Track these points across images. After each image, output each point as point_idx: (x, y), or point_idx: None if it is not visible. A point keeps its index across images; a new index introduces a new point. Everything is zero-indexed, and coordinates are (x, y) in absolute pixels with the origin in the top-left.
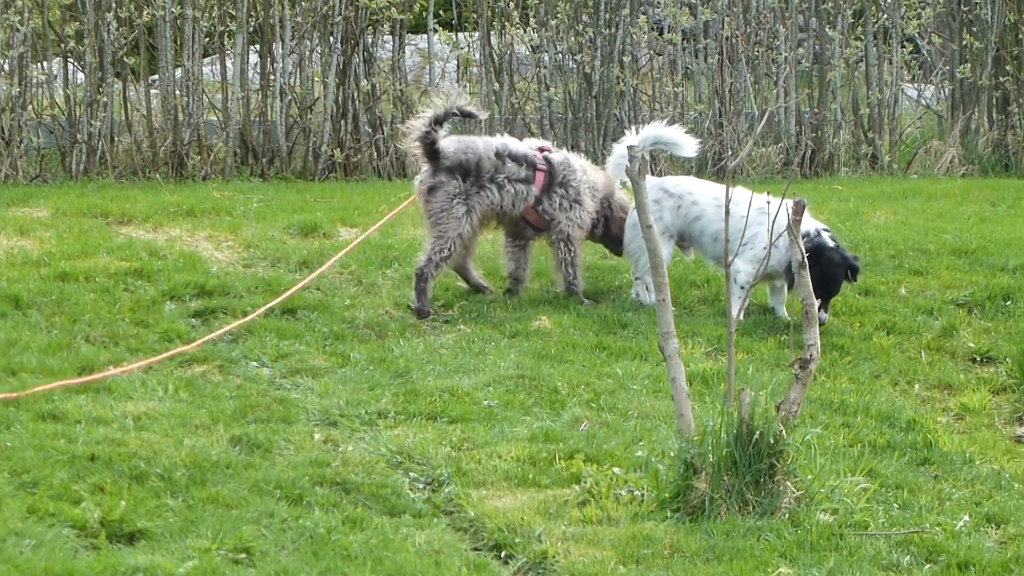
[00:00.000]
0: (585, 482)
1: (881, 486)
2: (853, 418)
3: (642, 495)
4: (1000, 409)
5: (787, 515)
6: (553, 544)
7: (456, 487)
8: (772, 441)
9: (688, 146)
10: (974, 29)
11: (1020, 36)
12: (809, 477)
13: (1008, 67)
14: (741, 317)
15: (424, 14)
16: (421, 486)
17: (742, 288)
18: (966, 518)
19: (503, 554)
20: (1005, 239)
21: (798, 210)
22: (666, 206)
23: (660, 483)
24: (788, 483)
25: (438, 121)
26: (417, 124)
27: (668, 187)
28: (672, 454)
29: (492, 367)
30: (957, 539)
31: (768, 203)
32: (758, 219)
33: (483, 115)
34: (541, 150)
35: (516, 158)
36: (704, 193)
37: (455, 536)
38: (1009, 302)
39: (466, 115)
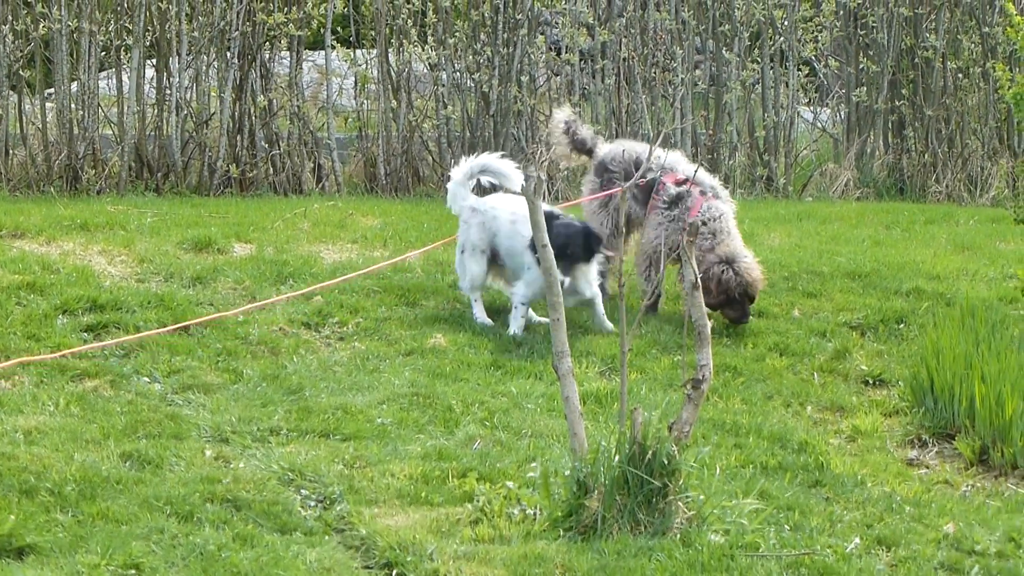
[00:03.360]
0: (478, 500)
1: (773, 507)
2: (745, 439)
3: (535, 514)
4: (892, 432)
5: (678, 535)
6: (445, 563)
7: (348, 505)
8: (664, 461)
9: (514, 178)
10: (870, 53)
11: (916, 60)
12: (701, 497)
13: (904, 91)
14: (517, 332)
15: (322, 30)
16: (313, 504)
17: (516, 309)
18: (857, 540)
19: (394, 572)
20: (899, 262)
21: (692, 231)
22: (473, 223)
23: (552, 502)
24: (680, 503)
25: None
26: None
27: (476, 204)
28: (565, 473)
29: (386, 385)
30: (848, 561)
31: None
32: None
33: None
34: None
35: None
36: (503, 208)
37: (346, 554)
38: (902, 325)
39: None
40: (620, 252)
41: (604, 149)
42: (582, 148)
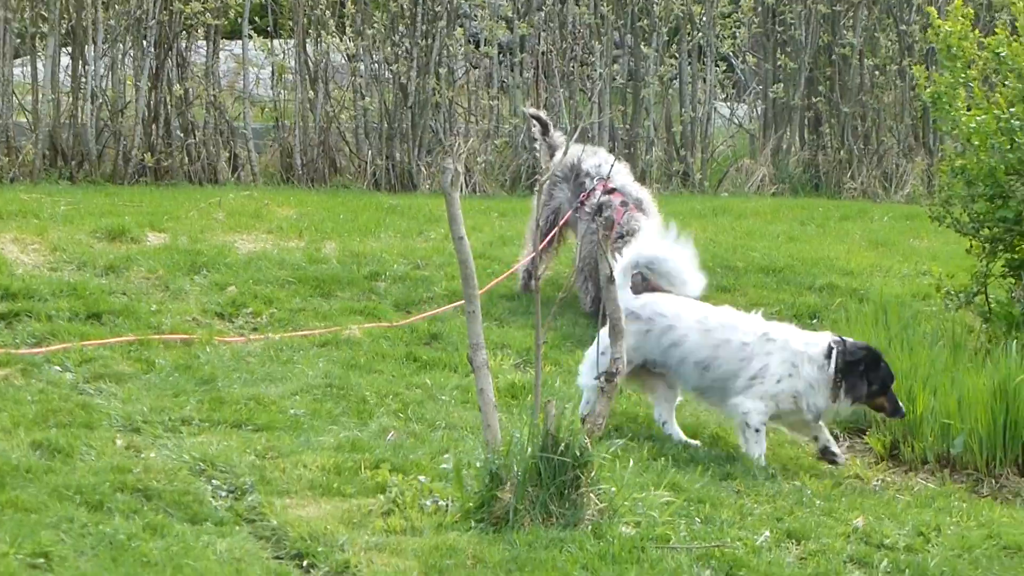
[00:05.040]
0: (390, 492)
1: (684, 500)
2: (658, 432)
3: (447, 505)
4: None
5: (590, 527)
6: (356, 554)
7: (259, 495)
8: (577, 453)
9: (693, 284)
10: (788, 49)
11: (833, 57)
12: (613, 489)
13: (820, 88)
14: (761, 456)
15: (239, 20)
16: (224, 494)
17: (756, 431)
18: (767, 533)
19: (305, 563)
20: (813, 258)
21: (607, 226)
22: (630, 330)
23: (465, 493)
24: (592, 495)
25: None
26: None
27: (636, 308)
28: (478, 465)
29: (300, 376)
30: (758, 554)
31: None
32: (765, 348)
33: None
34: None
35: None
36: (686, 314)
37: (257, 544)
38: (815, 320)
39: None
40: (538, 247)
41: (557, 155)
42: (552, 153)
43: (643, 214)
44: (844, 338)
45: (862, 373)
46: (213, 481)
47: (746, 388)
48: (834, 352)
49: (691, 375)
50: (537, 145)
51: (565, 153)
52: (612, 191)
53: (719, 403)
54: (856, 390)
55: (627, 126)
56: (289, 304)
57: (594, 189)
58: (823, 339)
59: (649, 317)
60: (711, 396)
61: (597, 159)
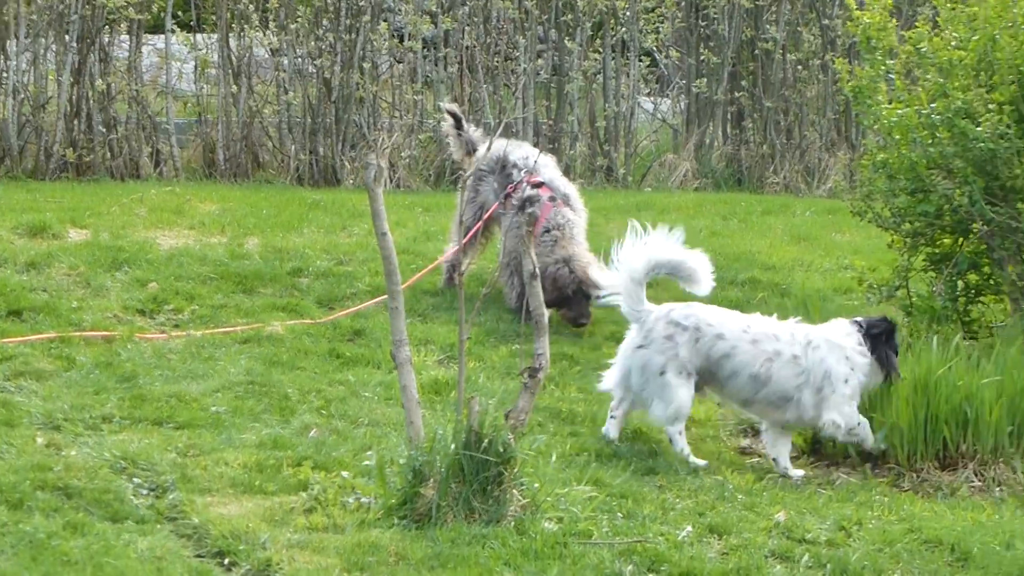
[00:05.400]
0: (312, 489)
1: (607, 495)
2: (581, 427)
3: (370, 502)
4: (725, 421)
5: (513, 523)
6: (278, 551)
7: (181, 493)
8: (500, 449)
9: (705, 281)
10: (711, 44)
11: (756, 52)
12: (536, 485)
13: (743, 82)
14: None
15: (162, 14)
16: (145, 492)
17: (860, 424)
18: (689, 528)
19: (226, 561)
20: (735, 253)
21: (531, 221)
22: (681, 341)
23: (388, 490)
24: (515, 491)
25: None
26: None
27: (680, 318)
28: (401, 462)
29: (222, 373)
30: (680, 549)
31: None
32: (816, 355)
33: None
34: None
35: None
36: (729, 324)
37: (178, 543)
38: None
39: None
40: (460, 239)
41: (481, 150)
42: (470, 148)
43: (571, 210)
44: (856, 319)
45: (891, 344)
46: (134, 479)
47: (821, 402)
48: (862, 336)
49: (744, 388)
50: (450, 140)
51: (489, 148)
52: (540, 185)
53: (767, 416)
54: (891, 361)
55: (551, 121)
56: (211, 300)
57: (521, 181)
58: (849, 328)
59: (696, 327)
60: (759, 409)
61: (524, 151)
